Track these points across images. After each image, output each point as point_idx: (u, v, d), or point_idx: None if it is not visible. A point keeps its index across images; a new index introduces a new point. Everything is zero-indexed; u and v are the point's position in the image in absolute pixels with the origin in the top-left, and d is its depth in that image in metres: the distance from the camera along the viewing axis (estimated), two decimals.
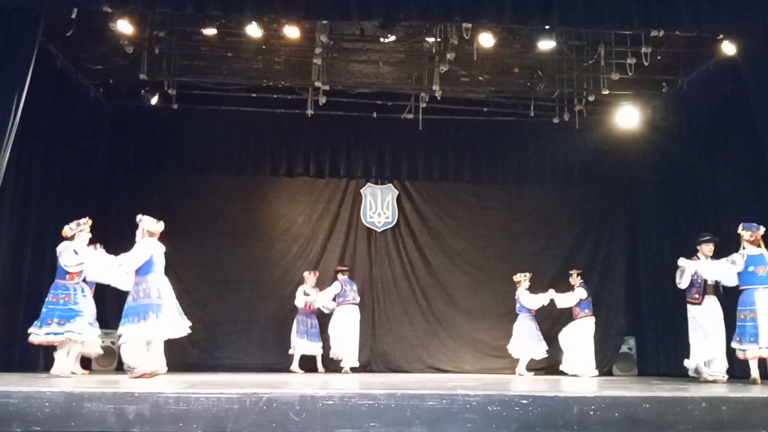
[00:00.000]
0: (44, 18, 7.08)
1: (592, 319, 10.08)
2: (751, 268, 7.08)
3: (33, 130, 8.36)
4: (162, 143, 11.09)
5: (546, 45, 9.15)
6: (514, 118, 11.12)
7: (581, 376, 9.64)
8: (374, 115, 11.01)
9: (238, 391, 3.80)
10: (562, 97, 10.61)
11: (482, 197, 11.67)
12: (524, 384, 6.82)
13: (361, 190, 11.46)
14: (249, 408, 3.74)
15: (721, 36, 8.06)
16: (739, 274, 7.19)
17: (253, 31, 8.79)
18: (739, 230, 7.30)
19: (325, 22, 8.83)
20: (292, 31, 8.88)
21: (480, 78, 10.36)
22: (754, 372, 6.96)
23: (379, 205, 11.43)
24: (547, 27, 8.17)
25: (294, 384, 5.31)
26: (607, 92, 9.89)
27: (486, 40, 8.82)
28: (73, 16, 7.89)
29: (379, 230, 11.41)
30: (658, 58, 9.24)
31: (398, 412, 3.78)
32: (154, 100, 10.24)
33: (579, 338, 9.95)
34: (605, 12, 7.16)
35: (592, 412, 3.83)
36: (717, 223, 9.23)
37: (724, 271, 7.35)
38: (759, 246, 7.17)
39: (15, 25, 6.87)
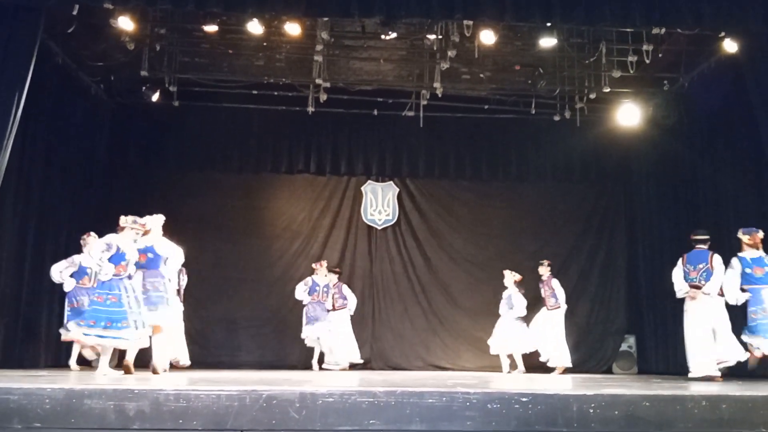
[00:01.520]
0: (45, 15, 7.07)
1: (563, 309, 10.01)
2: (748, 270, 7.28)
3: (34, 128, 8.37)
4: (163, 140, 11.08)
5: (547, 42, 9.15)
6: (514, 116, 11.10)
7: (557, 367, 9.67)
8: (375, 112, 11.00)
9: (237, 388, 3.80)
10: (563, 95, 10.61)
11: (483, 195, 11.67)
12: (524, 382, 6.82)
13: (362, 188, 11.46)
14: (249, 405, 3.74)
15: (722, 34, 8.05)
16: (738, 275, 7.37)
17: (254, 28, 8.78)
18: (739, 234, 7.46)
19: (326, 19, 8.82)
20: (293, 28, 8.88)
21: (481, 75, 10.35)
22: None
23: (380, 203, 11.43)
24: (548, 24, 8.18)
25: (294, 381, 5.32)
26: (608, 90, 9.88)
27: (487, 37, 8.82)
28: (74, 12, 7.87)
29: (379, 228, 11.41)
30: (660, 55, 9.23)
31: (398, 410, 3.78)
32: (155, 97, 10.23)
33: (554, 330, 9.87)
34: (606, 9, 7.14)
35: (591, 410, 3.83)
36: (717, 221, 9.22)
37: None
38: (758, 249, 7.35)
39: (16, 22, 6.86)
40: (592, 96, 10.28)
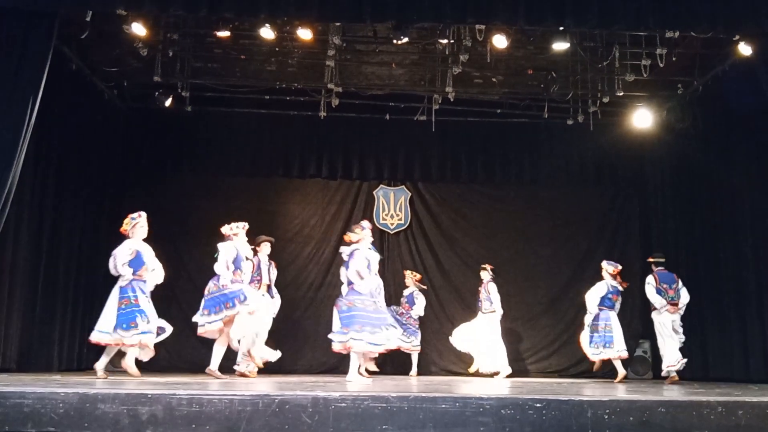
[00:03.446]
0: (59, 21, 7.11)
1: (499, 314, 9.95)
2: (609, 295, 9.21)
3: (48, 133, 8.42)
4: (176, 145, 11.14)
5: (560, 46, 9.09)
6: (527, 120, 11.07)
7: (499, 375, 9.67)
8: (387, 116, 10.99)
9: (250, 393, 3.80)
10: (576, 99, 10.54)
11: (495, 199, 11.64)
12: (538, 387, 6.78)
13: (374, 192, 11.46)
14: (261, 410, 3.74)
15: (737, 37, 7.97)
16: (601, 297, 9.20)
17: (266, 33, 8.79)
18: (603, 264, 9.37)
19: (338, 24, 8.82)
20: (304, 33, 8.89)
21: (493, 79, 10.32)
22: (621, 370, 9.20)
23: (392, 207, 11.42)
24: (560, 28, 8.12)
25: (306, 386, 5.31)
26: (621, 94, 9.83)
27: (499, 41, 8.78)
28: (88, 18, 7.92)
29: (391, 232, 11.40)
30: (674, 59, 9.15)
31: (411, 415, 3.76)
32: (167, 103, 10.26)
33: (490, 336, 9.82)
34: (619, 13, 7.10)
35: (606, 416, 3.80)
36: (733, 227, 9.15)
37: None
38: (615, 279, 9.24)
39: (30, 28, 6.91)
40: (606, 100, 10.21)
